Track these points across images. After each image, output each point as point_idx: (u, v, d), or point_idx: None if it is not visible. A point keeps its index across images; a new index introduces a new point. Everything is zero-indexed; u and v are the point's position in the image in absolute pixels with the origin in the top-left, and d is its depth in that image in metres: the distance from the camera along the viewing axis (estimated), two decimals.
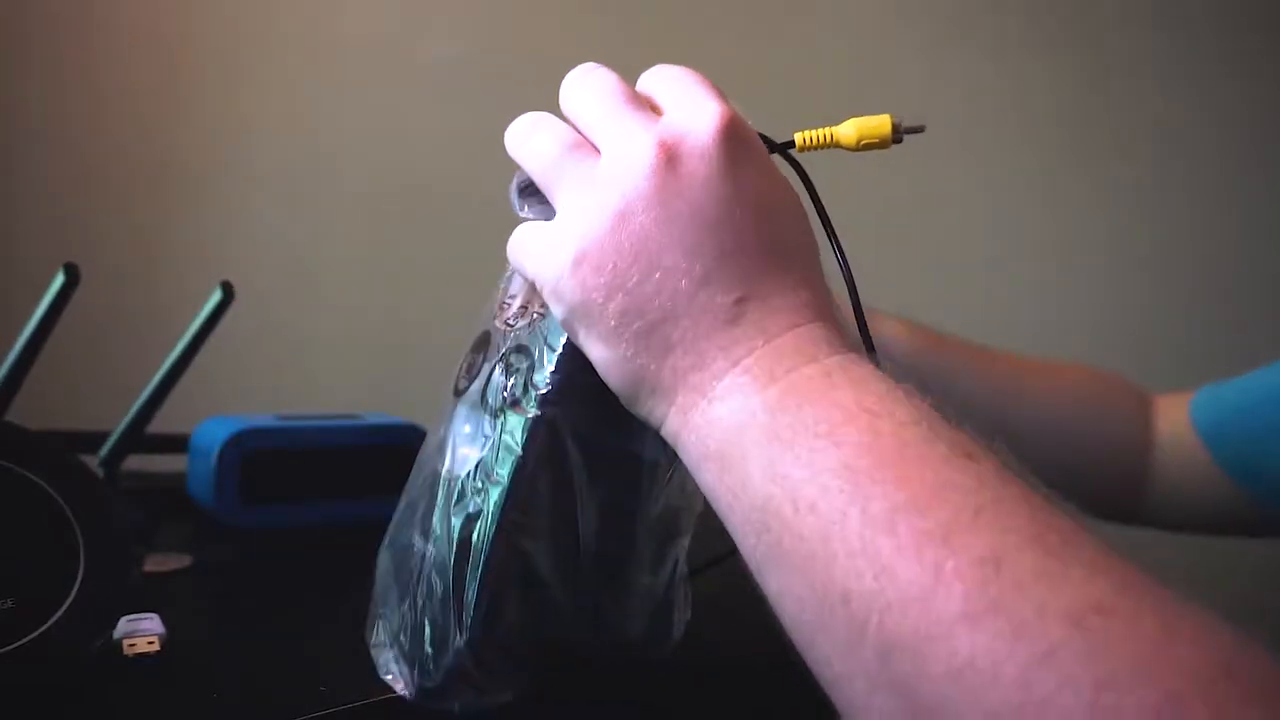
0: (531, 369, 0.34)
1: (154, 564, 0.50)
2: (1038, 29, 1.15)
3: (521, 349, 0.35)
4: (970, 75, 1.15)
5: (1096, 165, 1.16)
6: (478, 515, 0.33)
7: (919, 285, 1.08)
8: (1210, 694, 0.17)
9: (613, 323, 0.29)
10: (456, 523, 0.34)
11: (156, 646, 0.36)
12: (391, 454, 0.64)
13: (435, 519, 0.35)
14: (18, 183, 1.03)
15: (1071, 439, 0.55)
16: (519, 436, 0.33)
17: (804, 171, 0.36)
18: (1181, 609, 0.19)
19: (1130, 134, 1.16)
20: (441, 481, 0.36)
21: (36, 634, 0.33)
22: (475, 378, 0.37)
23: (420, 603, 0.35)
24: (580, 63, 0.36)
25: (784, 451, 0.25)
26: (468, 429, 0.36)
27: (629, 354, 0.29)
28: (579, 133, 0.33)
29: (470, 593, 0.33)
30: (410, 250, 1.11)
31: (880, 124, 0.36)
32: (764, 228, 0.30)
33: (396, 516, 0.39)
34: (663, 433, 0.30)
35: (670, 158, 0.30)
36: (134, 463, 0.60)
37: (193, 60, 1.07)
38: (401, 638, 0.35)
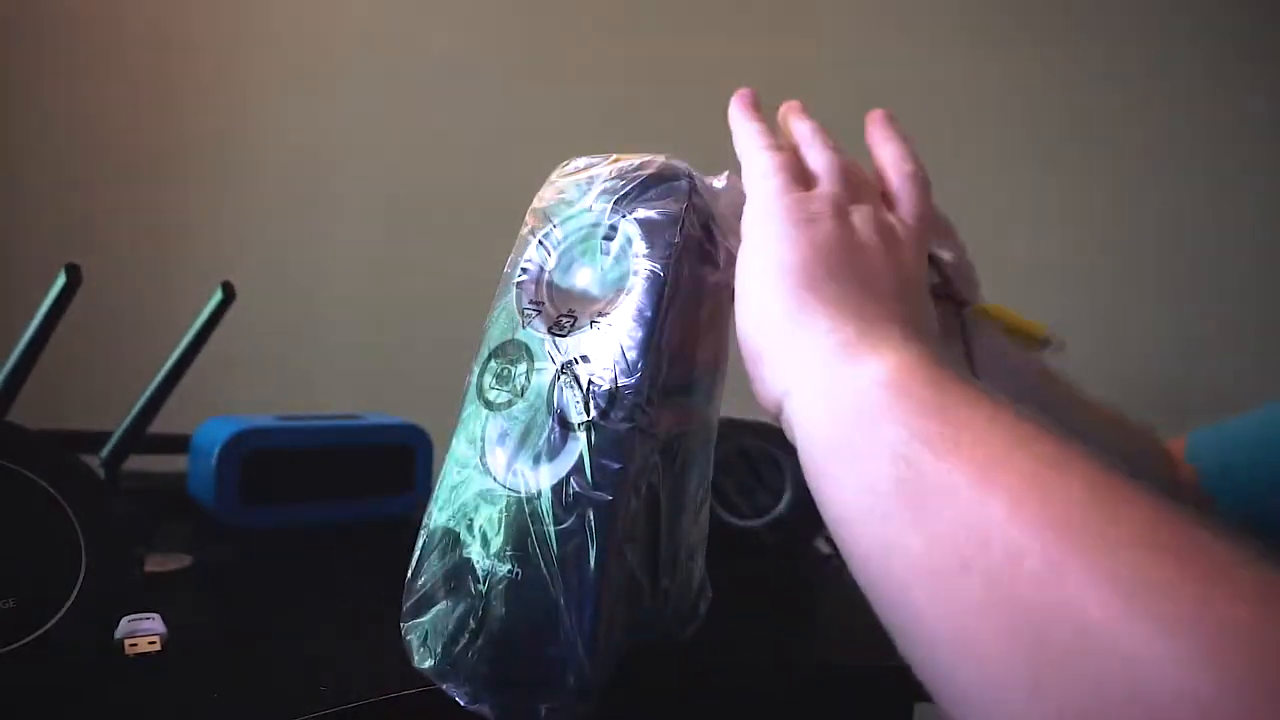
0: (608, 378, 0.34)
1: (154, 564, 0.50)
2: (1043, 27, 1.15)
3: (586, 358, 0.35)
4: (971, 74, 1.15)
5: (1097, 165, 1.16)
6: (578, 531, 0.33)
7: None
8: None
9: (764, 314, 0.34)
10: (553, 542, 0.33)
11: (157, 646, 0.37)
12: (391, 454, 0.64)
13: (502, 541, 0.34)
14: (18, 183, 1.03)
15: None
16: (619, 450, 0.33)
17: (968, 336, 0.46)
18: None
19: (1132, 133, 1.16)
20: (499, 498, 0.34)
21: (36, 634, 0.33)
22: (512, 387, 0.36)
23: (510, 627, 0.33)
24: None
25: (947, 393, 0.27)
26: (509, 441, 0.35)
27: (763, 349, 0.33)
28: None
29: (587, 609, 0.32)
30: (410, 251, 1.11)
31: (1038, 328, 0.48)
32: (928, 316, 0.36)
33: (430, 541, 0.36)
34: (793, 396, 0.32)
35: (841, 221, 0.37)
36: (134, 463, 0.60)
37: (193, 60, 1.07)
38: (481, 667, 0.33)
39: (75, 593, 0.34)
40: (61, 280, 0.48)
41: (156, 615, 0.38)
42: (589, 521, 0.33)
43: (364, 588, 0.51)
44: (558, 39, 1.11)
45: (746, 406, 0.38)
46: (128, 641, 0.36)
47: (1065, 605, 0.20)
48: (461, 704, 0.33)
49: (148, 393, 0.58)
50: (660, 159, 0.39)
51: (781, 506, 0.60)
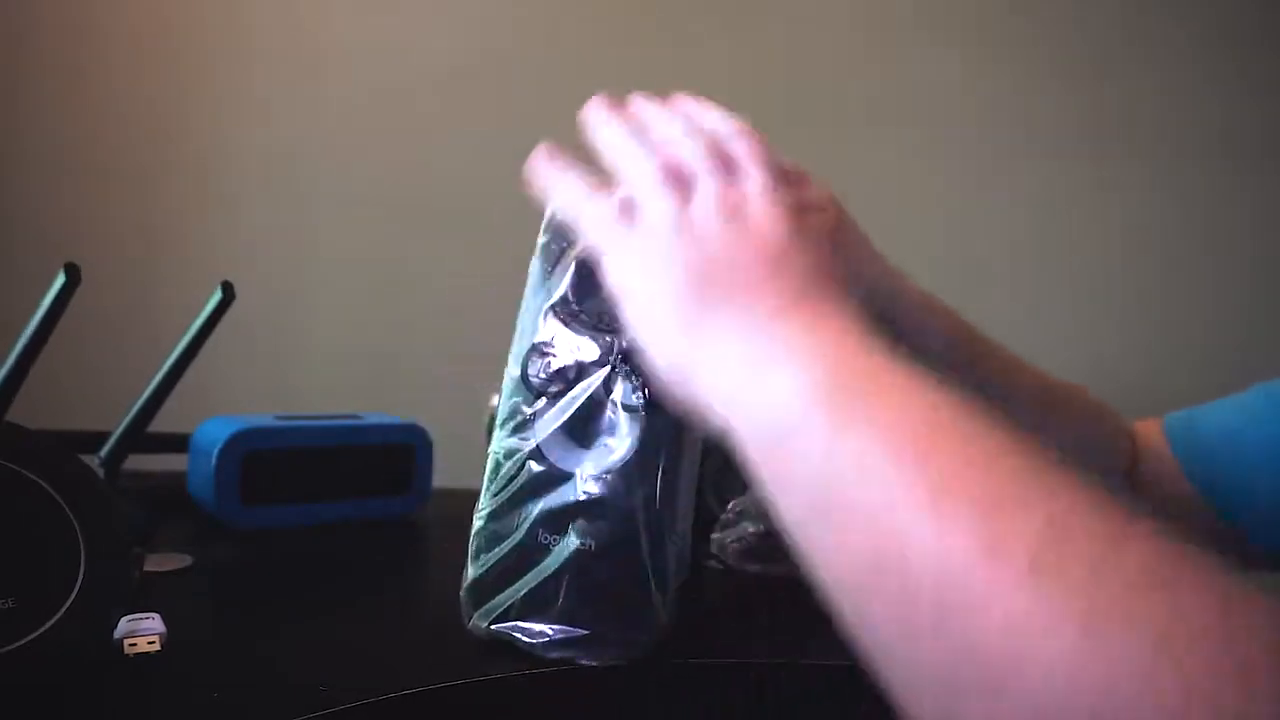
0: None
1: (154, 564, 0.50)
2: (1044, 25, 1.15)
3: (635, 348, 0.38)
4: (971, 74, 1.15)
5: (1095, 166, 1.16)
6: (638, 507, 0.37)
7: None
8: (1262, 637, 0.18)
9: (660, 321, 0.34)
10: (619, 516, 0.38)
11: (157, 646, 0.37)
12: (391, 454, 0.64)
13: (567, 520, 0.38)
14: (18, 183, 1.04)
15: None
16: (671, 430, 0.38)
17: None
18: (1221, 573, 0.20)
19: (1132, 134, 1.16)
20: (558, 482, 0.38)
21: (36, 634, 0.33)
22: (563, 375, 0.40)
23: (589, 583, 0.38)
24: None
25: (849, 416, 0.27)
26: (565, 428, 0.39)
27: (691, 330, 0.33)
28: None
29: (658, 573, 0.38)
30: (411, 251, 1.11)
31: None
32: (819, 266, 0.35)
33: (485, 526, 0.40)
34: (723, 421, 0.32)
35: (735, 212, 0.36)
36: (134, 463, 0.60)
37: (193, 61, 1.07)
38: (570, 616, 0.38)
39: (75, 593, 0.34)
40: (61, 280, 0.48)
41: (156, 615, 0.38)
42: (652, 495, 0.37)
43: (364, 588, 0.51)
44: (554, 38, 1.11)
45: None
46: (127, 641, 0.36)
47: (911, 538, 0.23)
48: (544, 655, 0.38)
49: (147, 392, 0.58)
50: None
51: None
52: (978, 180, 1.15)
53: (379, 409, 0.70)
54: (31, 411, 0.45)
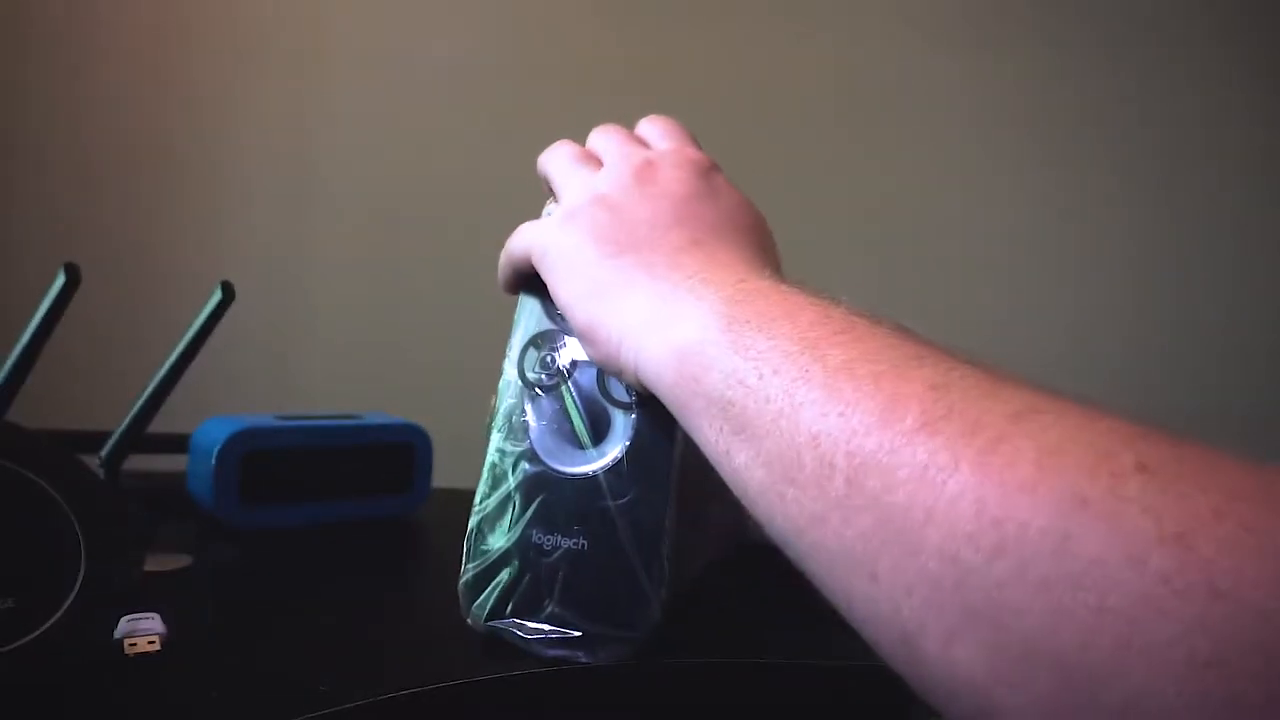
0: None
1: (154, 564, 0.50)
2: (1043, 25, 1.15)
3: None
4: (971, 73, 1.15)
5: (1097, 165, 1.16)
6: (636, 503, 0.38)
7: (914, 287, 1.08)
8: (1137, 446, 0.20)
9: (582, 282, 0.36)
10: (614, 516, 0.38)
11: (157, 646, 0.37)
12: (391, 454, 0.64)
13: (563, 518, 0.38)
14: (18, 183, 1.04)
15: None
16: (667, 423, 0.37)
17: None
18: (1100, 407, 0.22)
19: (1134, 132, 1.16)
20: (553, 479, 0.39)
21: (36, 634, 0.33)
22: (558, 371, 0.40)
23: (577, 596, 0.38)
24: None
25: (745, 330, 0.29)
26: (560, 424, 0.39)
27: (592, 314, 0.35)
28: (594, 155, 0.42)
29: (654, 570, 0.38)
30: (410, 250, 1.11)
31: None
32: (721, 216, 0.37)
33: (479, 526, 0.40)
34: (629, 370, 0.35)
35: (646, 166, 0.39)
36: (134, 463, 0.60)
37: (193, 61, 1.07)
38: (575, 617, 0.38)
39: (75, 593, 0.34)
40: (61, 280, 0.48)
41: (156, 615, 0.38)
42: (646, 492, 0.38)
43: (364, 588, 0.51)
44: (553, 37, 1.11)
45: None
46: (127, 641, 0.36)
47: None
48: (541, 654, 0.38)
49: (147, 392, 0.58)
50: None
51: None
52: (978, 180, 1.15)
53: (379, 409, 0.70)
54: (31, 411, 0.45)
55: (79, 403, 0.71)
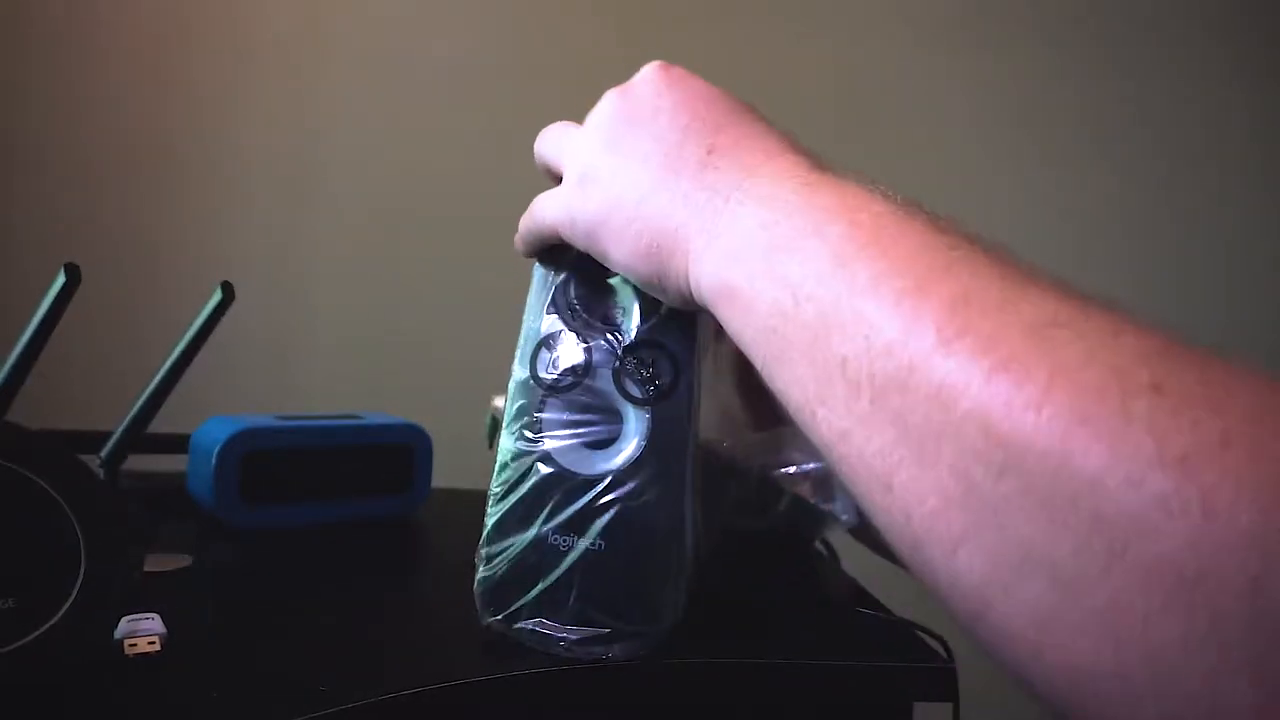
0: (671, 362, 0.39)
1: (154, 564, 0.50)
2: (1042, 25, 1.15)
3: (645, 344, 0.40)
4: (971, 73, 1.15)
5: (1097, 164, 1.16)
6: (653, 503, 0.38)
7: None
8: (1154, 364, 0.20)
9: (622, 218, 0.36)
10: (630, 515, 0.38)
11: (157, 646, 0.36)
12: (391, 454, 0.64)
13: (578, 519, 0.38)
14: (18, 183, 1.03)
15: None
16: (683, 422, 0.38)
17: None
18: (1126, 319, 0.23)
19: (1135, 132, 1.16)
20: (567, 480, 0.38)
21: (36, 634, 0.33)
22: (571, 371, 0.40)
23: (596, 595, 0.38)
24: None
25: (780, 257, 0.29)
26: (575, 424, 0.39)
27: (640, 232, 0.35)
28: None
29: (685, 554, 0.38)
30: (411, 251, 1.11)
31: None
32: (713, 109, 0.37)
33: (494, 529, 0.40)
34: (692, 294, 0.34)
35: (621, 93, 0.39)
36: (134, 463, 0.60)
37: (193, 61, 1.07)
38: (592, 613, 0.38)
39: (75, 593, 0.34)
40: (61, 280, 0.48)
41: (156, 615, 0.38)
42: (663, 490, 0.38)
43: (364, 588, 0.51)
44: (553, 37, 1.11)
45: None
46: (127, 641, 0.36)
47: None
48: (566, 654, 0.38)
49: (147, 392, 0.58)
50: None
51: (781, 505, 0.60)
52: (978, 180, 1.15)
53: (379, 409, 0.70)
54: (31, 411, 0.45)
55: (79, 403, 0.71)
